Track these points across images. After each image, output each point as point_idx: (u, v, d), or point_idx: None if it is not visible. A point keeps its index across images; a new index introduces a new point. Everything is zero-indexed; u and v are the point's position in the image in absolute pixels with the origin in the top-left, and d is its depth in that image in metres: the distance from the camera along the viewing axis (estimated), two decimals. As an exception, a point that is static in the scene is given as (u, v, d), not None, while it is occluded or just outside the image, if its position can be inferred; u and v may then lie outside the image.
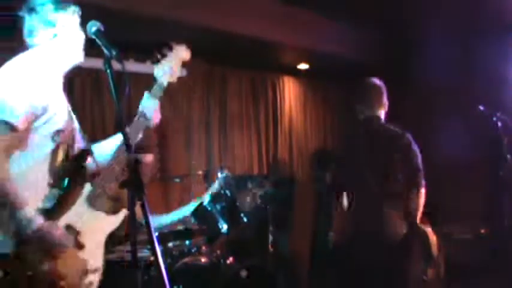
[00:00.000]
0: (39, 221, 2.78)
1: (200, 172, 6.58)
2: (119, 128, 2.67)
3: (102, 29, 2.79)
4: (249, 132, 8.54)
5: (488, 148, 6.07)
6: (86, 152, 3.19)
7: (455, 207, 7.09)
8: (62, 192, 2.98)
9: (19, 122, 2.78)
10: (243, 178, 7.19)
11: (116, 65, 2.66)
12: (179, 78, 7.63)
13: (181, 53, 3.98)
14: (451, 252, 6.36)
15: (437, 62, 6.98)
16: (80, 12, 3.24)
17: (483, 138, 6.21)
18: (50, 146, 2.97)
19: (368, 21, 7.67)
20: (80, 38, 3.19)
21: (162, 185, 6.45)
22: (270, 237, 6.29)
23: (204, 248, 5.45)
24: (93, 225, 3.06)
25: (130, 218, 2.50)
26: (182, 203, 6.11)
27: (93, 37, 2.79)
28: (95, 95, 6.83)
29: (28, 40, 3.10)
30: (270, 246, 6.29)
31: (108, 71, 2.64)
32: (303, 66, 8.67)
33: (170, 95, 7.55)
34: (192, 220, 5.84)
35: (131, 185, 2.42)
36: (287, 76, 9.10)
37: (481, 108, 5.54)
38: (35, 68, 2.96)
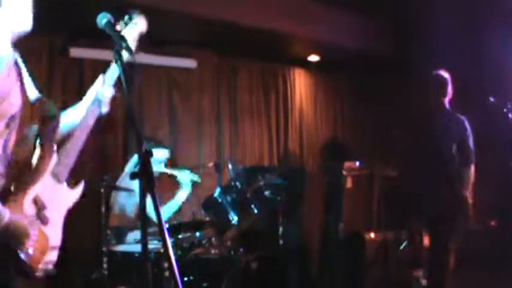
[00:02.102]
0: (7, 214, 2.62)
1: (211, 164, 6.59)
2: (129, 119, 2.65)
3: (113, 21, 2.77)
4: (259, 124, 8.54)
5: (499, 139, 6.09)
6: (57, 118, 3.04)
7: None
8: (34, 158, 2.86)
9: None
10: (254, 170, 7.21)
11: (127, 57, 2.66)
12: (189, 70, 7.68)
13: (141, 24, 3.41)
14: (462, 243, 6.36)
15: (446, 52, 6.95)
16: None
17: (493, 129, 6.22)
18: (4, 132, 2.75)
19: (378, 12, 7.65)
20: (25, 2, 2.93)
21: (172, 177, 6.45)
22: (280, 229, 6.29)
23: (214, 239, 5.46)
24: (56, 199, 2.94)
25: (141, 210, 2.48)
26: (191, 195, 6.12)
27: (104, 29, 2.76)
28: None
29: None
30: (280, 237, 6.30)
31: (119, 62, 2.61)
32: (313, 58, 8.66)
33: (180, 87, 7.58)
34: (203, 212, 5.86)
35: (142, 177, 2.41)
36: (297, 68, 9.08)
37: (492, 99, 5.55)
38: None
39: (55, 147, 2.96)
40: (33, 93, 2.93)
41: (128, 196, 5.68)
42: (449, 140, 5.64)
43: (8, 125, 2.74)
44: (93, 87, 3.22)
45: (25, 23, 2.98)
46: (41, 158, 2.89)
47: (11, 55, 2.80)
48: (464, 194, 5.56)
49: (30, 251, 2.69)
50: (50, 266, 2.89)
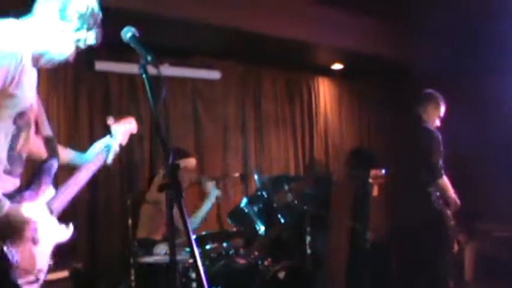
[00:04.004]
0: (7, 204, 2.63)
1: (237, 174, 6.60)
2: (156, 132, 2.66)
3: (138, 34, 2.76)
4: (284, 133, 8.55)
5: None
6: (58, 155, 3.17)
7: (494, 206, 7.04)
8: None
9: None
10: (280, 179, 7.20)
11: (152, 70, 2.67)
12: (214, 81, 7.71)
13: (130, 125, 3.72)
14: (489, 249, 6.33)
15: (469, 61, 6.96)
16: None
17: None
18: (11, 129, 2.78)
19: (402, 19, 7.62)
20: (59, 30, 2.95)
21: (199, 187, 6.48)
22: (308, 238, 6.28)
23: (241, 249, 5.47)
24: (47, 228, 2.93)
25: (169, 221, 2.49)
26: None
27: (129, 42, 2.77)
28: (131, 100, 6.88)
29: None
30: (307, 246, 6.29)
31: (145, 76, 2.62)
32: (337, 66, 8.65)
33: (205, 98, 7.60)
34: (230, 222, 5.87)
35: (170, 188, 2.42)
36: (322, 76, 9.08)
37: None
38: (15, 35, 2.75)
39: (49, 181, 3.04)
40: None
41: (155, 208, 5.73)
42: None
43: (15, 121, 2.77)
44: (103, 139, 3.50)
45: (60, 49, 3.01)
46: (38, 185, 2.96)
47: (21, 56, 2.74)
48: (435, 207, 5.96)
49: (17, 258, 2.67)
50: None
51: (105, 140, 3.48)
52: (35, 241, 2.81)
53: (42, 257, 2.89)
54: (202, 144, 7.55)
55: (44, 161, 3.08)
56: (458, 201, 6.04)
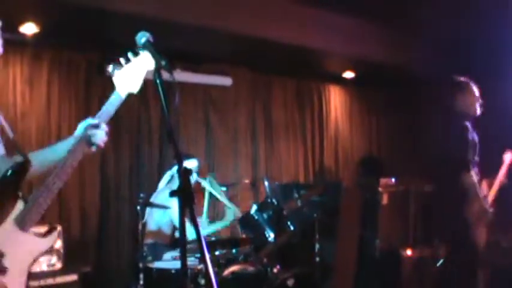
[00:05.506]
0: None
1: (247, 181, 6.60)
2: (169, 137, 2.61)
3: (152, 39, 2.75)
4: (294, 141, 8.56)
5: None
6: (28, 163, 2.82)
7: (502, 216, 7.00)
8: None
9: None
10: (289, 186, 7.20)
11: (165, 75, 2.66)
12: (225, 88, 7.72)
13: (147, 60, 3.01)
14: (499, 260, 6.29)
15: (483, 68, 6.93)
16: None
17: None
18: None
19: (413, 28, 7.62)
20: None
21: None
22: (317, 245, 6.27)
23: (251, 256, 5.46)
24: (20, 247, 2.72)
25: (180, 227, 2.47)
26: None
27: (143, 47, 2.76)
28: (142, 104, 6.90)
29: None
30: (316, 254, 6.28)
31: (158, 81, 2.59)
32: (348, 74, 8.65)
33: (216, 104, 7.62)
34: (239, 229, 5.87)
35: (181, 194, 2.41)
36: (332, 84, 9.09)
37: None
38: None
39: (20, 194, 2.77)
40: None
41: (163, 213, 5.74)
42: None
43: None
44: (81, 124, 3.00)
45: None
46: (1, 205, 2.72)
47: None
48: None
49: None
50: None
51: (81, 127, 2.99)
52: (2, 271, 2.65)
53: (15, 283, 2.70)
54: (213, 150, 7.56)
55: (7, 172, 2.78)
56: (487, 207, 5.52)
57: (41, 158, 2.95)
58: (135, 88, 3.08)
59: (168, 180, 6.14)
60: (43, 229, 2.84)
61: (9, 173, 2.74)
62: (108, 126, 2.99)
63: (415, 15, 7.07)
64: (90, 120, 2.98)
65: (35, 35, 5.89)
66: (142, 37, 2.76)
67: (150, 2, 5.61)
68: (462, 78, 5.65)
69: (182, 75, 6.91)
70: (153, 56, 2.67)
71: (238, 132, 7.89)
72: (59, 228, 2.92)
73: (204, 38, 6.46)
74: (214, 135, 7.60)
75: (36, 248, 2.79)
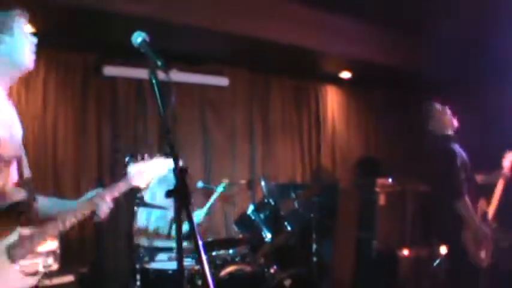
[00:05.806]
0: None
1: (244, 181, 6.59)
2: (165, 137, 2.60)
3: (148, 39, 2.74)
4: (292, 141, 8.55)
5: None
6: (33, 200, 2.88)
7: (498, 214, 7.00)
8: None
9: None
10: (287, 186, 7.19)
11: (161, 75, 2.65)
12: (222, 88, 7.73)
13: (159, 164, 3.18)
14: (497, 259, 6.26)
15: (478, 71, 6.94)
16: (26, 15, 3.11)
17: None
18: None
19: (410, 29, 7.62)
20: (27, 43, 3.12)
21: (207, 194, 6.48)
22: (314, 246, 6.27)
23: (247, 256, 5.45)
24: (5, 280, 2.68)
25: (177, 227, 2.46)
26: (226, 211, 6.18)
27: (139, 48, 2.74)
28: (139, 105, 6.89)
29: None
30: (313, 254, 6.28)
31: (154, 81, 2.59)
32: (345, 74, 8.65)
33: (213, 105, 7.61)
34: (236, 229, 5.86)
35: (178, 194, 2.40)
36: (330, 85, 9.08)
37: None
38: None
39: (17, 228, 2.77)
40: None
41: (160, 214, 5.73)
42: None
43: None
44: (92, 191, 3.04)
45: (27, 62, 3.11)
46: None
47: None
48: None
49: None
50: None
51: (91, 193, 3.03)
52: None
53: None
54: (210, 150, 7.56)
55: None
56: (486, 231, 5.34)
57: (46, 205, 3.02)
58: (142, 184, 3.15)
59: (160, 179, 6.10)
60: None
61: (15, 208, 2.77)
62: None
63: (412, 16, 7.07)
64: (100, 190, 3.01)
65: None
66: (138, 37, 2.75)
67: (147, 2, 5.60)
68: (428, 105, 5.72)
69: (179, 76, 6.90)
70: (150, 56, 2.66)
71: (236, 133, 7.88)
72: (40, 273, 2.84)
73: (201, 38, 6.45)
74: (211, 135, 7.59)
75: (21, 285, 2.75)
